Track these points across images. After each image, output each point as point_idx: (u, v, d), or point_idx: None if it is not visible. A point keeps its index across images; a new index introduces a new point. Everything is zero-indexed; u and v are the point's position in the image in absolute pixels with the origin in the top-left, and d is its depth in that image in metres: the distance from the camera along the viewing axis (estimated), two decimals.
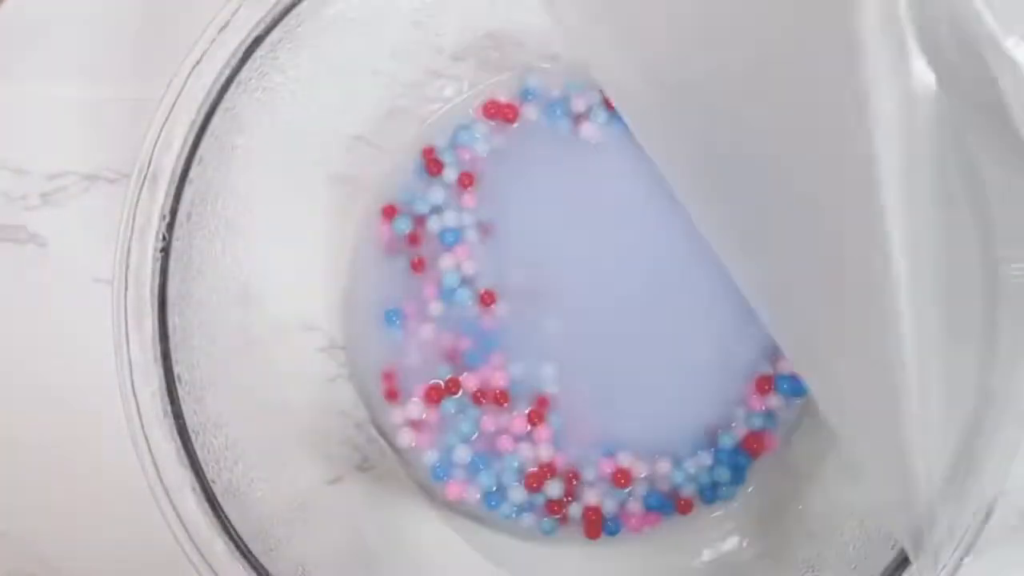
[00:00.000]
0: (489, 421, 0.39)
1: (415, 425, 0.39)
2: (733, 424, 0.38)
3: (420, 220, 0.40)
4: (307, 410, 0.39)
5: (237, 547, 0.32)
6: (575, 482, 0.38)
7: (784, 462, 0.39)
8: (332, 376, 0.39)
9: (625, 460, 0.38)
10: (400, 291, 0.39)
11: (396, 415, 0.39)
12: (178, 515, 0.31)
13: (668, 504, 0.38)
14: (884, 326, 0.28)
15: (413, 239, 0.40)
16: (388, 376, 0.39)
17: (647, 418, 0.39)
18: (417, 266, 0.39)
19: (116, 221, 0.32)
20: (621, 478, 0.38)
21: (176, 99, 0.32)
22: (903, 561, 0.31)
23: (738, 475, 0.38)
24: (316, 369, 0.39)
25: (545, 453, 0.38)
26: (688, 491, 0.38)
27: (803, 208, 0.31)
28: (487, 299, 0.39)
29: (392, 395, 0.39)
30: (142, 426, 0.31)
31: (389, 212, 0.40)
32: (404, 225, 0.39)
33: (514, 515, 0.38)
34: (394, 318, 0.39)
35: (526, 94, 0.40)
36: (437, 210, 0.40)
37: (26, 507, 0.40)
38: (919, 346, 0.28)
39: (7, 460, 0.40)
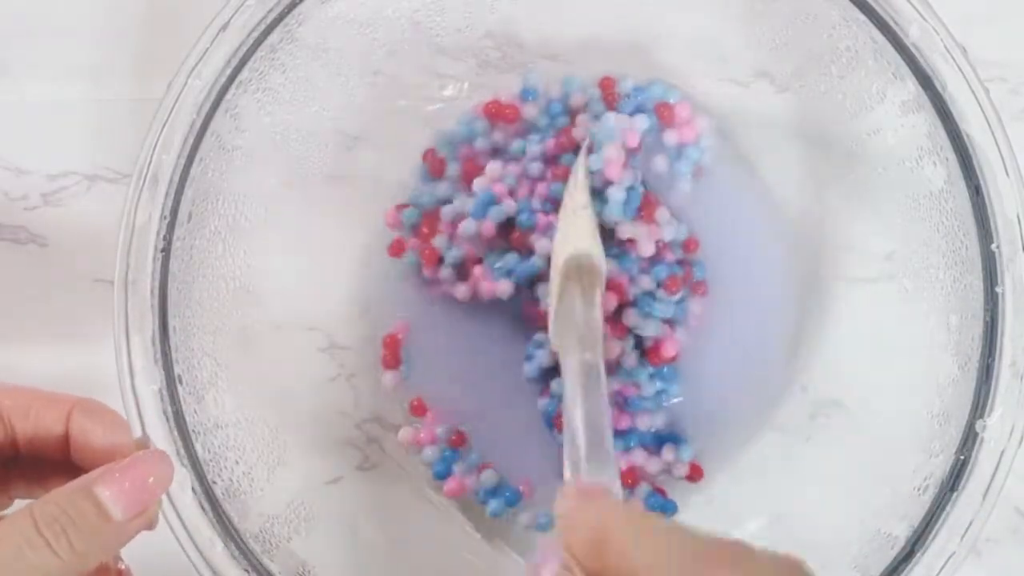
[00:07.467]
0: None
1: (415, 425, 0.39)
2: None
3: (423, 219, 0.39)
4: (307, 410, 0.38)
5: (237, 547, 0.32)
6: None
7: (784, 462, 0.39)
8: (332, 376, 0.39)
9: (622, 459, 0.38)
10: (403, 293, 0.39)
11: (396, 415, 0.39)
12: (178, 515, 0.31)
13: (670, 504, 0.38)
14: None
15: (416, 238, 0.39)
16: (388, 376, 0.39)
17: None
18: (420, 266, 0.39)
19: (116, 221, 0.32)
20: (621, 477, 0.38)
21: (176, 99, 0.32)
22: (903, 561, 0.31)
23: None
24: (316, 369, 0.39)
25: None
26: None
27: None
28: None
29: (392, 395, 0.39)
30: (142, 426, 0.31)
31: (391, 212, 0.40)
32: (408, 224, 0.39)
33: (513, 514, 0.38)
34: (396, 319, 0.39)
35: (526, 94, 0.40)
36: (443, 203, 0.39)
37: None
38: None
39: None
